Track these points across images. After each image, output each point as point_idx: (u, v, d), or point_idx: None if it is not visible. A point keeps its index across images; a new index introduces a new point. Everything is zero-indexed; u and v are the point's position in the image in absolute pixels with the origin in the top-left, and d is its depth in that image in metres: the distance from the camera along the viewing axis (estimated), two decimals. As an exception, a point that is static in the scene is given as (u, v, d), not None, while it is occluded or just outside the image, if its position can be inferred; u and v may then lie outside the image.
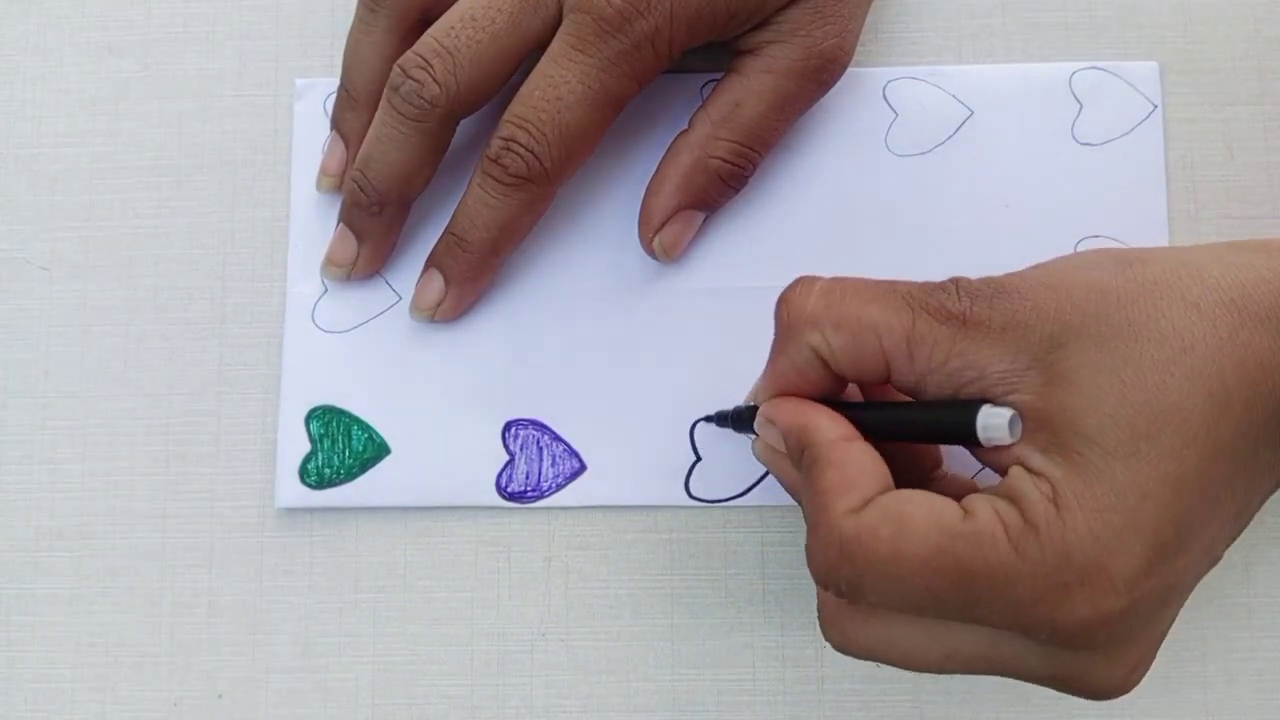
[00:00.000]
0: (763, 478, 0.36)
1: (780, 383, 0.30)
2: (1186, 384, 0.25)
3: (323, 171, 0.37)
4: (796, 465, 0.29)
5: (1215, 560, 0.27)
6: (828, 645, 0.29)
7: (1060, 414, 0.25)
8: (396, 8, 0.35)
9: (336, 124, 0.37)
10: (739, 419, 0.33)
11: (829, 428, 0.28)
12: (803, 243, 0.37)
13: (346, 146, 0.37)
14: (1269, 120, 0.37)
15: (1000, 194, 0.37)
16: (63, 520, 0.37)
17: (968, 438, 0.26)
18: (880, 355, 0.28)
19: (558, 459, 0.36)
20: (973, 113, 0.37)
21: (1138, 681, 0.27)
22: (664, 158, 0.36)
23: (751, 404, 0.32)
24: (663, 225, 0.36)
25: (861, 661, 0.34)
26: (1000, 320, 0.26)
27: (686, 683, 0.36)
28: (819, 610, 0.29)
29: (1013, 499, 0.25)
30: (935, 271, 0.36)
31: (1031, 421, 0.26)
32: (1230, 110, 0.37)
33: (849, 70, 0.36)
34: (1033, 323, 0.26)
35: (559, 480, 0.36)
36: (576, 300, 0.37)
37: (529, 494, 0.36)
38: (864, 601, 0.27)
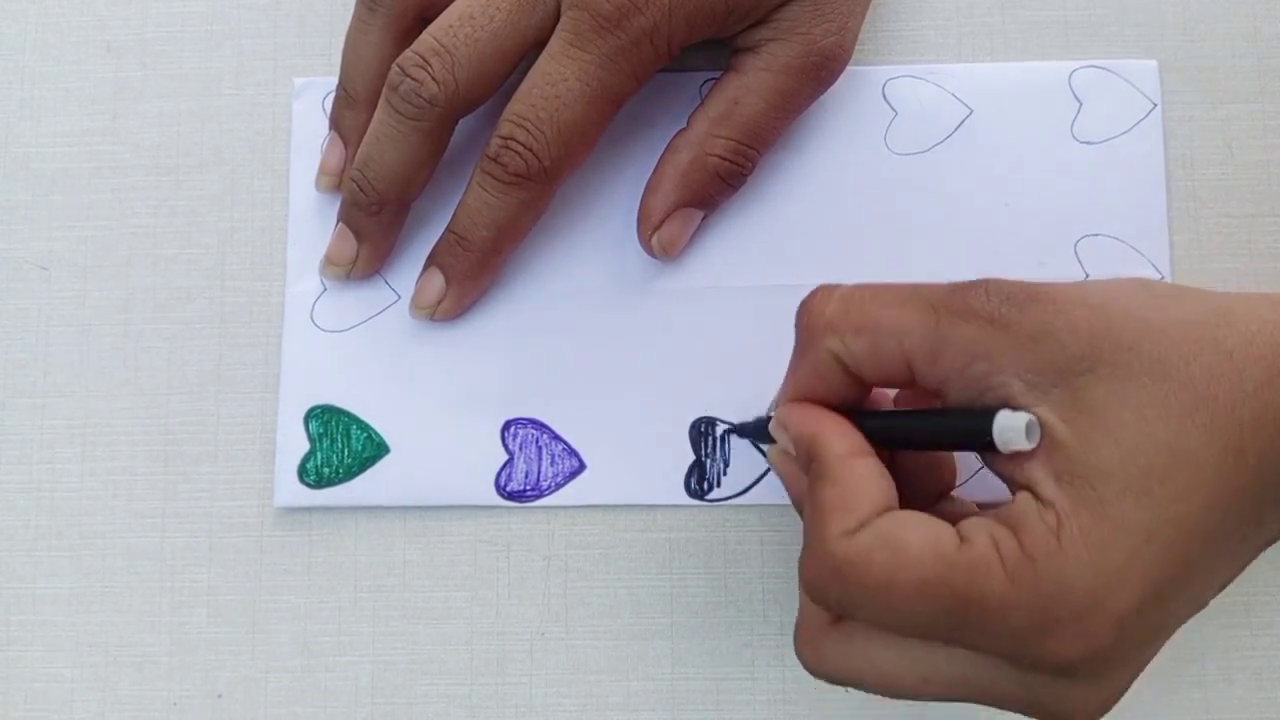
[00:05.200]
0: (762, 477, 0.36)
1: (801, 388, 0.29)
2: (1205, 432, 0.24)
3: (321, 171, 0.37)
4: (806, 473, 0.28)
5: (1202, 606, 0.27)
6: None
7: (1079, 443, 0.25)
8: (394, 7, 0.35)
9: (335, 123, 0.37)
10: (758, 429, 0.32)
11: (837, 441, 0.28)
12: (802, 241, 0.37)
13: (345, 146, 0.37)
14: (1268, 118, 0.37)
15: (1000, 192, 0.37)
16: (62, 520, 0.37)
17: (984, 443, 0.26)
18: (902, 358, 0.27)
19: (557, 458, 0.36)
20: (972, 111, 0.37)
21: (1107, 711, 0.27)
22: (663, 156, 0.36)
23: (770, 414, 0.31)
24: (661, 223, 0.36)
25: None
26: (1031, 326, 0.25)
27: (686, 683, 0.36)
28: (796, 629, 0.29)
29: (1013, 527, 0.25)
30: (934, 270, 0.36)
31: (1050, 443, 0.25)
32: (1229, 108, 0.37)
33: (848, 68, 0.36)
34: (1065, 337, 0.25)
35: (558, 479, 0.36)
36: (576, 300, 0.37)
37: (528, 493, 0.36)
38: (854, 619, 0.27)
